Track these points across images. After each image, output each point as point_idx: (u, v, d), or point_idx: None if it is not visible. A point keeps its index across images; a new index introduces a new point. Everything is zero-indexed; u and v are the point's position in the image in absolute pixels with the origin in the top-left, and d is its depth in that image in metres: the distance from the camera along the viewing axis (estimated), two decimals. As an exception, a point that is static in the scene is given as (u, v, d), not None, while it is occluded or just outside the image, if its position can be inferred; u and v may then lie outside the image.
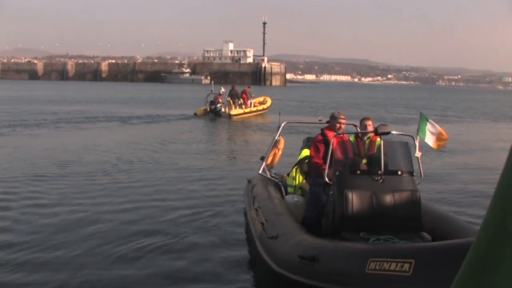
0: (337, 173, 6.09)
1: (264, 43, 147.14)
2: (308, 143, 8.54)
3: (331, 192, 6.19)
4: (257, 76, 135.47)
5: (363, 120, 7.06)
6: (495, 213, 1.17)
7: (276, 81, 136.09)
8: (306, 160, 8.19)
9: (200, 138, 21.39)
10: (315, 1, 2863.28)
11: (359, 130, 7.33)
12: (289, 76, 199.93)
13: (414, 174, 6.17)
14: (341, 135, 6.66)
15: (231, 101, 29.47)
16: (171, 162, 14.64)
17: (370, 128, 6.83)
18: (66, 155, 15.26)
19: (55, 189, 10.93)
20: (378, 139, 6.60)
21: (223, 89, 30.50)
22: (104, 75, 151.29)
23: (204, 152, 17.04)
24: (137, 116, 29.66)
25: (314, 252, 5.06)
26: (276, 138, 9.28)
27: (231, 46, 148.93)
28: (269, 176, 8.88)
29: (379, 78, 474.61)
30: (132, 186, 11.50)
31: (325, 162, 6.49)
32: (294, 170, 8.41)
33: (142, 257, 6.99)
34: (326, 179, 6.25)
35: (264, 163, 8.99)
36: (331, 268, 4.86)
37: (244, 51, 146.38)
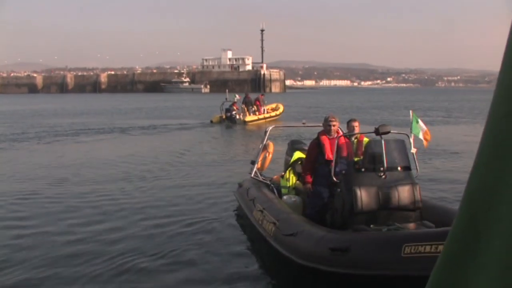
0: (343, 171, 6.71)
1: (262, 50, 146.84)
2: (293, 146, 9.35)
3: (338, 190, 6.69)
4: (256, 84, 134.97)
5: (350, 122, 7.71)
6: (464, 212, 1.20)
7: (275, 88, 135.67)
8: (299, 162, 8.69)
9: (218, 146, 21.54)
10: (311, 7, 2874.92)
11: (346, 131, 7.82)
12: (288, 82, 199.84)
13: (411, 169, 6.71)
14: (335, 137, 7.20)
15: (245, 108, 30.59)
16: (190, 170, 14.69)
17: (357, 129, 7.53)
18: (84, 169, 15.16)
19: (67, 199, 10.90)
20: (365, 138, 7.34)
21: (237, 97, 31.78)
22: (103, 86, 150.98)
23: (222, 162, 16.70)
24: (153, 126, 30.19)
25: (345, 244, 5.56)
26: (264, 142, 9.77)
27: (229, 54, 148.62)
28: (261, 179, 9.37)
29: (378, 81, 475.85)
30: (149, 199, 11.16)
31: (317, 163, 7.25)
32: (288, 172, 8.87)
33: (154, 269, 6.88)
34: (333, 177, 6.71)
35: (255, 166, 9.50)
36: (365, 256, 5.33)
37: (243, 59, 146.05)
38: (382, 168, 6.47)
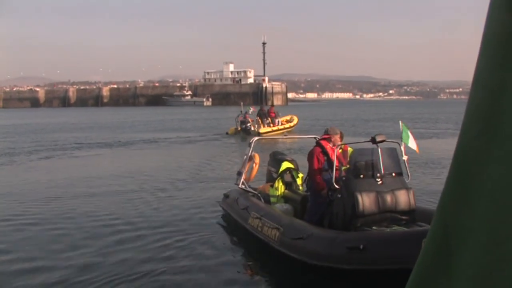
0: (343, 178, 7.12)
1: (264, 63, 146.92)
2: (275, 157, 10.02)
3: (339, 195, 7.10)
4: (258, 96, 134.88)
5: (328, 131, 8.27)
6: (439, 218, 1.22)
7: (277, 101, 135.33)
8: (288, 172, 9.48)
9: (236, 158, 21.29)
10: (313, 20, 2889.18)
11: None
12: (290, 95, 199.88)
13: (403, 175, 7.23)
14: (340, 147, 7.78)
15: (260, 120, 31.65)
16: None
17: (338, 141, 7.98)
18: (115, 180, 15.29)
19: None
20: (350, 148, 7.92)
21: (252, 109, 33.10)
22: (105, 100, 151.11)
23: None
24: (166, 138, 30.84)
25: (361, 243, 5.98)
26: (249, 154, 10.18)
27: (231, 67, 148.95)
28: (248, 189, 9.73)
29: (380, 94, 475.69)
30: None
31: (327, 170, 7.68)
32: (277, 181, 9.42)
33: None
34: (334, 184, 7.16)
35: (242, 177, 9.88)
36: (383, 253, 5.75)
37: (245, 72, 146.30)
38: (379, 174, 6.97)
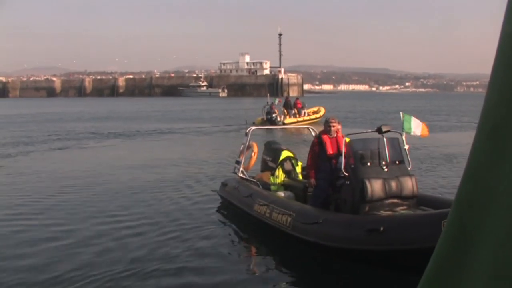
0: (352, 166, 7.40)
1: (280, 54, 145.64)
2: (270, 146, 10.52)
3: (347, 182, 7.44)
4: (274, 88, 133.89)
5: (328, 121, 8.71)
6: (454, 219, 1.21)
7: (293, 92, 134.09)
8: (288, 160, 9.96)
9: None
10: (331, 11, 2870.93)
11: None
12: (306, 86, 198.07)
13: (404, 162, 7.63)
14: (335, 136, 8.26)
15: (285, 111, 32.82)
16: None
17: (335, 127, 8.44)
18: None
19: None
20: (346, 138, 7.97)
21: (278, 100, 34.08)
22: (121, 90, 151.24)
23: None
24: (183, 128, 31.48)
25: (381, 225, 6.36)
26: (247, 143, 10.52)
27: (247, 58, 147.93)
28: (248, 177, 10.13)
29: (397, 86, 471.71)
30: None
31: (320, 159, 8.16)
32: (277, 170, 9.86)
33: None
34: (343, 171, 7.47)
35: (241, 166, 10.32)
36: (402, 234, 6.12)
37: (261, 63, 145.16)
38: (384, 162, 7.36)
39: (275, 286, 6.62)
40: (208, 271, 6.90)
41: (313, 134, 10.54)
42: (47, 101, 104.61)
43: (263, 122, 31.37)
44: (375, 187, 7.12)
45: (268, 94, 40.42)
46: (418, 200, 7.52)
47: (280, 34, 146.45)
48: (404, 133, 8.04)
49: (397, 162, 7.49)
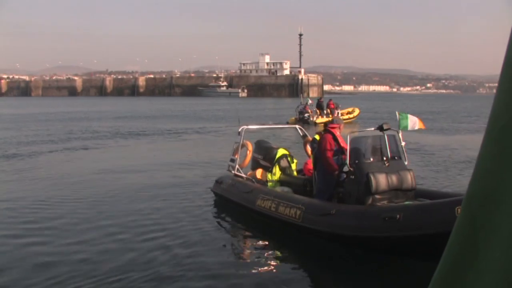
0: (356, 161, 7.86)
1: (300, 55, 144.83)
2: (260, 145, 11.03)
3: (352, 177, 7.90)
4: (294, 88, 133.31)
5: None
6: (464, 218, 1.21)
7: (313, 93, 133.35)
8: (284, 158, 10.55)
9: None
10: (351, 12, 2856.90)
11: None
12: (326, 87, 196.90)
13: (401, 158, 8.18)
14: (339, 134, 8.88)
15: (318, 111, 33.91)
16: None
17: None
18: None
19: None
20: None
21: (310, 101, 35.41)
22: (141, 90, 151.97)
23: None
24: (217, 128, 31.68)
25: (398, 213, 6.81)
26: (240, 142, 10.85)
27: (267, 59, 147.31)
28: (243, 175, 10.55)
29: (418, 87, 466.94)
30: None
31: (337, 154, 8.64)
32: (274, 167, 10.44)
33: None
34: (348, 166, 7.93)
35: (236, 164, 10.66)
36: (417, 220, 6.59)
37: (281, 63, 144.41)
38: (385, 158, 7.93)
39: (289, 277, 6.79)
40: (215, 265, 7.04)
41: (300, 133, 11.45)
42: (70, 100, 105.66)
43: (296, 122, 31.69)
44: (379, 180, 7.62)
45: (302, 95, 42.15)
46: (415, 192, 8.12)
47: (300, 35, 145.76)
48: (400, 131, 8.57)
49: (396, 158, 8.10)
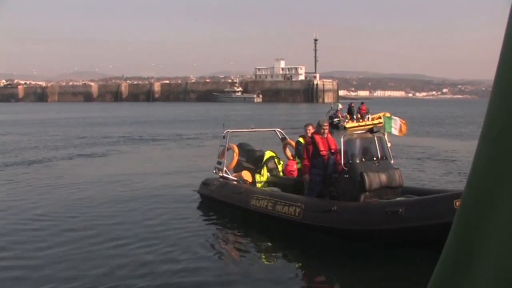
0: (350, 161, 8.48)
1: (315, 60, 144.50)
2: (242, 148, 11.56)
3: (346, 176, 8.48)
4: (309, 94, 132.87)
5: (305, 126, 10.33)
6: (459, 223, 1.20)
7: (328, 98, 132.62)
8: (271, 159, 11.18)
9: None
10: (367, 17, 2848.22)
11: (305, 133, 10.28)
12: (342, 92, 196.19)
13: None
14: (326, 137, 9.32)
15: (348, 116, 34.29)
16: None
17: (310, 132, 9.91)
18: None
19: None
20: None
21: (340, 106, 35.90)
22: (156, 95, 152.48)
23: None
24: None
25: (399, 207, 7.45)
26: (226, 145, 11.29)
27: (282, 64, 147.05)
28: (230, 176, 11.03)
29: (434, 92, 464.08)
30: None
31: (314, 158, 9.17)
32: (263, 169, 11.00)
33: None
34: (343, 165, 8.51)
35: (224, 166, 11.13)
36: (418, 213, 7.19)
37: (296, 69, 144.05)
38: (375, 158, 8.62)
39: (290, 273, 7.10)
40: (211, 264, 7.23)
41: (279, 136, 12.13)
42: (86, 106, 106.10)
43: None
44: (372, 179, 8.23)
45: (333, 100, 42.24)
46: (402, 190, 8.72)
47: (315, 40, 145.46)
48: (386, 133, 9.20)
49: (384, 158, 8.72)
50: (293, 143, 11.04)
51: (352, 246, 7.82)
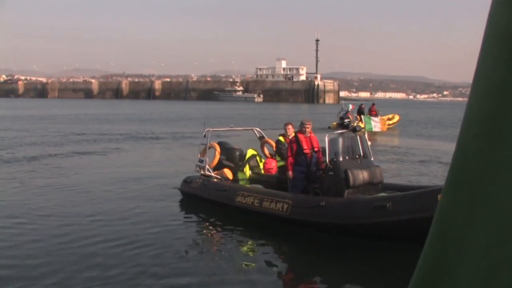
0: (334, 159, 8.85)
1: (317, 61, 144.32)
2: (222, 146, 11.75)
3: (330, 173, 8.82)
4: (310, 94, 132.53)
5: (285, 125, 10.92)
6: (437, 227, 1.19)
7: (329, 99, 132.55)
8: (253, 157, 11.44)
9: None
10: (369, 19, 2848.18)
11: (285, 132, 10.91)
12: (343, 93, 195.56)
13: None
14: (309, 136, 9.59)
15: (358, 117, 33.82)
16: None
17: (290, 131, 10.65)
18: None
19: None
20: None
21: (351, 107, 35.26)
22: (157, 93, 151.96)
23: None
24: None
25: (387, 202, 7.77)
26: (207, 144, 11.48)
27: (283, 64, 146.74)
28: (213, 174, 11.22)
29: (434, 95, 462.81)
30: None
31: (297, 155, 9.45)
32: (245, 166, 11.26)
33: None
34: (328, 163, 8.85)
35: (206, 164, 11.28)
36: (405, 207, 7.50)
37: (297, 69, 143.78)
38: (358, 156, 8.98)
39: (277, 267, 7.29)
40: (199, 263, 7.26)
41: (257, 135, 12.42)
42: (86, 102, 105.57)
43: (337, 127, 32.40)
44: (355, 176, 8.59)
45: (343, 102, 42.83)
46: (382, 186, 9.13)
47: (317, 40, 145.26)
48: (366, 132, 9.04)
49: (365, 156, 9.10)
50: (271, 142, 11.62)
51: (340, 240, 8.07)
